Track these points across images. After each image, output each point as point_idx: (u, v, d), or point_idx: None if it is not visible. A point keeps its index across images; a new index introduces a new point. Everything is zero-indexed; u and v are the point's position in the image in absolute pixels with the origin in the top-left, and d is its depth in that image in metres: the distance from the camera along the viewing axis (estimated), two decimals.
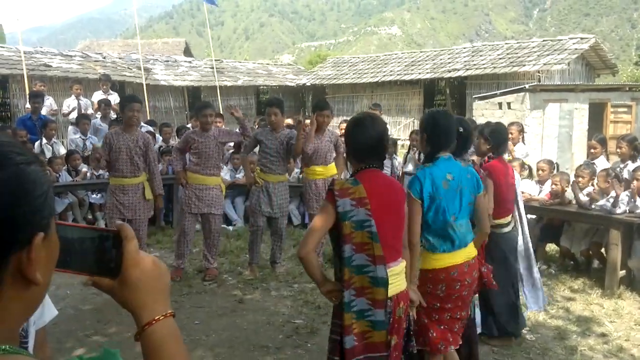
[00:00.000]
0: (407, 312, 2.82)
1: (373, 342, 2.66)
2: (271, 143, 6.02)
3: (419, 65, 20.46)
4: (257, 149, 6.42)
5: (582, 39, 18.06)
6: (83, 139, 9.23)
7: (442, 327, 3.15)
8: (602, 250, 6.20)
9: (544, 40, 19.37)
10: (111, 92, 11.15)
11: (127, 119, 5.74)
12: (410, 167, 7.48)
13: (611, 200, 5.72)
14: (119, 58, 19.32)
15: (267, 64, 26.32)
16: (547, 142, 13.88)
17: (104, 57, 18.85)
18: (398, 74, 20.20)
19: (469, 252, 3.20)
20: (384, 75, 20.52)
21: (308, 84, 22.50)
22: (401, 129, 19.60)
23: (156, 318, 0.93)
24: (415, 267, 2.99)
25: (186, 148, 6.05)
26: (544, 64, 16.62)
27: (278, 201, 6.07)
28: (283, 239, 6.35)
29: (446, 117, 3.25)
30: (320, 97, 22.19)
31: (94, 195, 8.49)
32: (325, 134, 6.23)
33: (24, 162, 0.76)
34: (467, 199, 3.16)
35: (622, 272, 5.71)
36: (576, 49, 17.19)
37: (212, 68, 18.80)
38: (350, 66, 23.18)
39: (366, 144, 2.74)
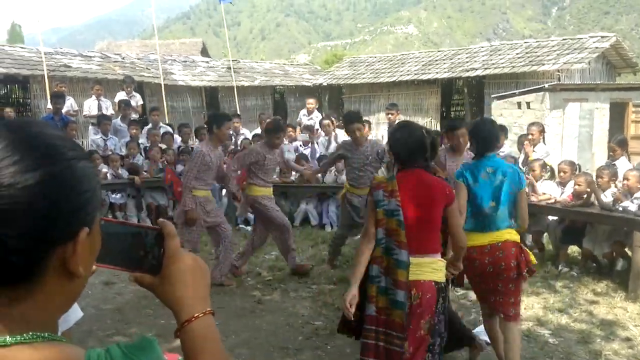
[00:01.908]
0: (431, 307, 3.03)
1: (392, 320, 3.01)
2: (357, 158, 6.04)
3: (437, 64, 20.31)
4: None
5: (602, 37, 17.78)
6: (104, 139, 9.32)
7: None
8: (626, 249, 6.11)
9: (563, 39, 19.12)
10: (134, 93, 11.24)
11: (222, 135, 5.77)
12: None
13: (635, 201, 5.63)
14: (138, 59, 19.45)
15: (284, 64, 26.33)
16: (567, 142, 13.69)
17: (123, 58, 19.00)
18: (415, 74, 20.07)
19: (497, 236, 3.62)
20: (401, 75, 20.40)
21: (325, 83, 22.45)
22: None
23: (196, 315, 0.95)
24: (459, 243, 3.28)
25: (248, 163, 6.04)
26: (564, 63, 16.41)
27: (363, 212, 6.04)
28: None
29: (487, 124, 3.92)
30: (337, 101, 22.15)
31: (114, 196, 8.57)
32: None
33: (76, 157, 0.78)
34: (507, 189, 3.63)
35: None
36: (597, 47, 16.94)
37: (229, 68, 18.85)
38: (367, 66, 23.09)
39: (405, 149, 3.17)
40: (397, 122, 9.44)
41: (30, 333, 0.74)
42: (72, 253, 0.77)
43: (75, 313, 1.56)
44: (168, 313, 3.85)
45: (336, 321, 4.86)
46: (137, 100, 11.05)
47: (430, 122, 19.52)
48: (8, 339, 0.72)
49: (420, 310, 2.99)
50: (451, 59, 20.38)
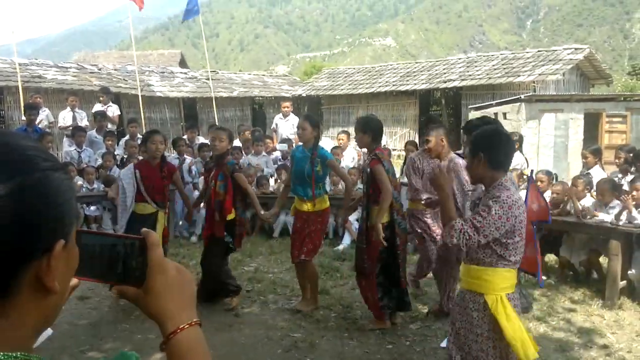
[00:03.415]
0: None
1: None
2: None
3: (415, 76, 20.51)
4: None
5: (576, 49, 18.14)
6: (78, 152, 9.18)
7: None
8: (600, 259, 6.18)
9: (538, 51, 19.46)
10: (111, 104, 11.11)
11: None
12: (405, 179, 7.42)
13: (611, 211, 5.70)
14: (115, 69, 19.29)
15: (263, 75, 26.31)
16: (543, 152, 13.89)
17: (100, 69, 18.82)
18: (394, 85, 20.23)
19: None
20: (380, 86, 20.54)
21: (304, 94, 22.50)
22: (397, 139, 19.60)
23: (181, 327, 0.91)
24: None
25: None
26: (539, 74, 16.68)
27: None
28: None
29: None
30: (316, 112, 22.17)
31: (90, 208, 8.42)
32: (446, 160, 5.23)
33: (50, 168, 0.75)
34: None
35: (623, 283, 5.68)
36: (571, 59, 17.27)
37: (208, 79, 18.79)
38: (345, 77, 23.22)
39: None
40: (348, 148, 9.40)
41: (1, 354, 0.70)
42: (47, 267, 0.73)
43: (44, 331, 1.50)
44: (145, 328, 3.79)
45: (316, 333, 4.83)
46: (113, 110, 10.92)
47: (408, 132, 19.65)
48: None
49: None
50: (429, 71, 20.59)
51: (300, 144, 5.63)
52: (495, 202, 2.80)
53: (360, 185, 7.85)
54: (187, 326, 0.92)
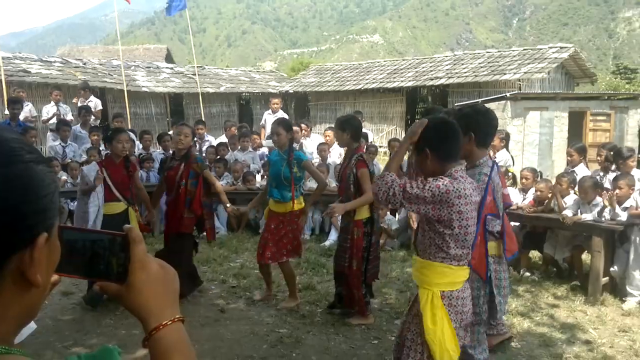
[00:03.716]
0: None
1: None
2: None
3: (402, 73, 20.55)
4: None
5: (561, 48, 18.29)
6: (63, 146, 9.09)
7: None
8: (583, 255, 6.25)
9: (524, 49, 19.60)
10: (92, 98, 10.99)
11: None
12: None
13: (594, 208, 5.77)
14: (100, 64, 19.11)
15: (250, 71, 26.21)
16: (528, 150, 14.01)
17: (85, 63, 18.63)
18: (381, 82, 20.26)
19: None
20: (367, 83, 20.56)
21: (291, 91, 22.47)
22: (384, 136, 19.64)
23: (164, 323, 0.91)
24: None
25: None
26: (525, 73, 16.80)
27: None
28: None
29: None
30: (303, 109, 22.19)
31: (74, 203, 8.34)
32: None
33: (33, 160, 0.75)
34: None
35: (605, 279, 5.75)
36: (556, 58, 17.41)
37: (194, 75, 18.69)
38: (333, 74, 23.21)
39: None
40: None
41: None
42: (30, 260, 0.73)
43: (27, 325, 1.49)
44: (128, 323, 3.77)
45: (302, 328, 4.84)
46: (95, 104, 10.81)
47: (395, 130, 19.70)
48: None
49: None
50: (416, 68, 20.64)
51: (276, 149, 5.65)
52: (435, 180, 2.74)
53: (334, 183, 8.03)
54: (170, 322, 0.91)
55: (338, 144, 5.48)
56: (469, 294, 2.91)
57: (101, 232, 0.93)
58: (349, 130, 4.90)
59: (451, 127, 2.90)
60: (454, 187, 2.71)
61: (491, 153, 7.56)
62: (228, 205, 5.64)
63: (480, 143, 3.59)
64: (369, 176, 4.83)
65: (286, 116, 11.13)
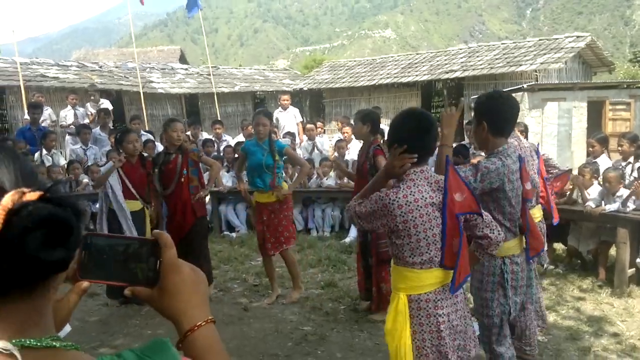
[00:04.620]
0: None
1: None
2: None
3: (416, 67, 20.44)
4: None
5: (578, 37, 18.03)
6: (84, 149, 9.18)
7: None
8: (611, 250, 6.16)
9: (540, 40, 19.36)
10: (102, 100, 11.08)
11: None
12: None
13: (618, 199, 5.69)
14: (116, 67, 19.26)
15: (264, 69, 26.25)
16: (547, 141, 13.85)
17: (100, 67, 18.79)
18: (395, 77, 20.16)
19: None
20: (381, 78, 20.47)
21: (305, 88, 22.46)
22: None
23: (198, 324, 0.94)
24: None
25: None
26: (541, 63, 16.60)
27: None
28: None
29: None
30: (318, 106, 22.18)
31: (96, 205, 8.43)
32: None
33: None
34: None
35: (631, 271, 5.67)
36: (572, 47, 17.18)
37: (209, 75, 18.76)
38: (346, 70, 23.15)
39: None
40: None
41: (49, 336, 0.74)
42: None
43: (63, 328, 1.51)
44: (154, 323, 3.80)
45: (326, 325, 4.84)
46: (106, 106, 10.92)
47: None
48: (32, 342, 0.71)
49: None
50: (430, 62, 20.52)
51: (251, 139, 5.69)
52: (378, 193, 2.66)
53: (332, 176, 8.37)
54: (204, 323, 0.94)
55: (355, 137, 5.54)
56: (448, 296, 2.67)
57: (131, 239, 0.96)
58: (369, 123, 4.97)
59: (423, 122, 2.74)
60: (390, 198, 2.58)
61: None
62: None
63: (495, 131, 3.16)
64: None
65: (297, 112, 11.15)
